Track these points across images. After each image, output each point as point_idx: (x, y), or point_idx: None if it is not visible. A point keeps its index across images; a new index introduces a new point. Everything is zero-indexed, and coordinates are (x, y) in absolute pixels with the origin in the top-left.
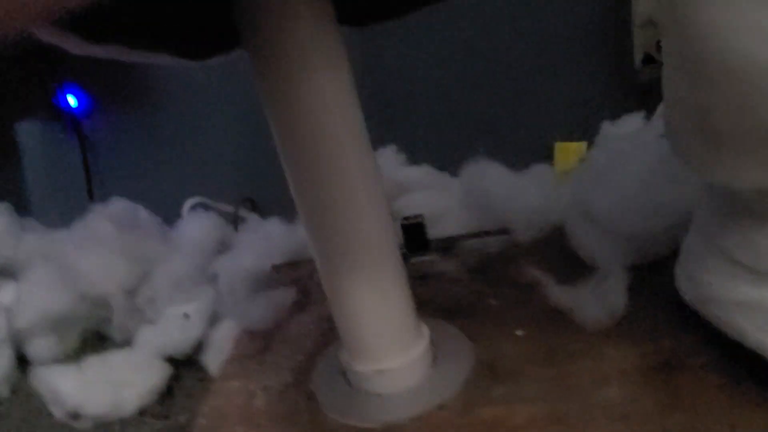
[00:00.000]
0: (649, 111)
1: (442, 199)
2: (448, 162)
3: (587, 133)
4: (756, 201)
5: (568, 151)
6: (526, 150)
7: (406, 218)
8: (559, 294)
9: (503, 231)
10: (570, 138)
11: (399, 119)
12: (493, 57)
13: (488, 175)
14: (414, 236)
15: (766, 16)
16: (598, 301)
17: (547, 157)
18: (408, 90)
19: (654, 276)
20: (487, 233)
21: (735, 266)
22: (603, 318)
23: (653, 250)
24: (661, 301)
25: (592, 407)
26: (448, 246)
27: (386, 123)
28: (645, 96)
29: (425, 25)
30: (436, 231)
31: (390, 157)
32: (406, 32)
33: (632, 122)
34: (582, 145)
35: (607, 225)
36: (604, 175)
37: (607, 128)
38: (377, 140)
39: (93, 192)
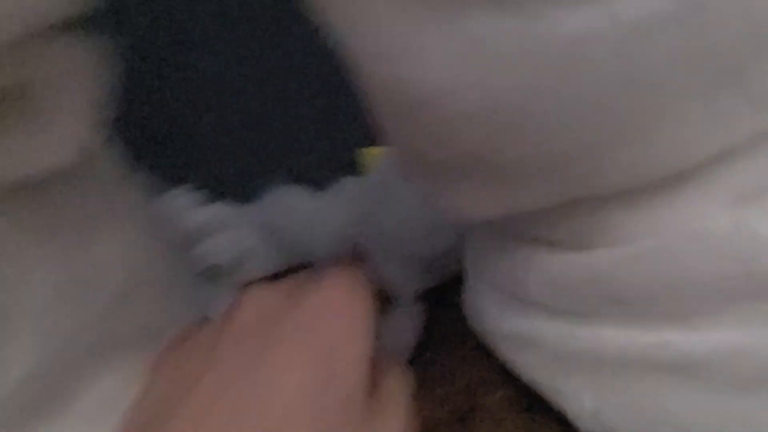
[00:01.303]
0: None
1: (244, 239)
2: (251, 192)
3: None
4: (501, 228)
5: (376, 157)
6: (334, 162)
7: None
8: None
9: (307, 264)
10: (378, 142)
11: (183, 154)
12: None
13: (287, 204)
14: None
15: (430, 40)
16: (392, 337)
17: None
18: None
19: (448, 298)
20: (289, 270)
21: (501, 293)
22: (398, 357)
23: (444, 269)
24: (454, 330)
25: None
26: None
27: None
28: None
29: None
30: (240, 275)
31: (183, 198)
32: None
33: None
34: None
35: (395, 246)
36: (387, 191)
37: None
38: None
39: None
